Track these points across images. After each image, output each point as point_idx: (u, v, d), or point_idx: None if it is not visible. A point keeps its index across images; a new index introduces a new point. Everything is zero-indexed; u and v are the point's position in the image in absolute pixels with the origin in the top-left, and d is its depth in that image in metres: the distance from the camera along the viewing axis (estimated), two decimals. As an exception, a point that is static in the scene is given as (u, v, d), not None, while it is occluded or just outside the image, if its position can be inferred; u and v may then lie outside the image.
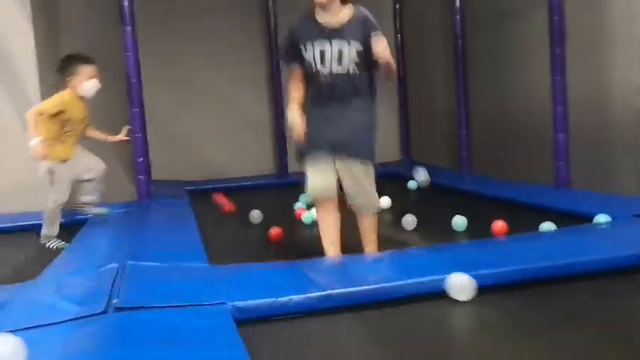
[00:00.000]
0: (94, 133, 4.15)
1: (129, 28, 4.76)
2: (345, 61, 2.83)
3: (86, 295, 2.24)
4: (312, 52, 2.85)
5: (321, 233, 3.01)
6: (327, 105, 2.89)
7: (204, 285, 2.38)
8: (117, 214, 4.26)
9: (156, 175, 5.86)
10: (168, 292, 2.28)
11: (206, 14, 6.62)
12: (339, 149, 2.87)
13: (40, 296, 2.30)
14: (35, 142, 3.56)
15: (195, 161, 6.66)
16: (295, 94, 2.96)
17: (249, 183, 6.31)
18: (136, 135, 4.80)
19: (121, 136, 4.26)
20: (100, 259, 2.86)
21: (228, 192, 5.45)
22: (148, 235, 3.62)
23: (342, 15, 2.85)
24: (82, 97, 3.91)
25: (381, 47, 2.68)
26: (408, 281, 2.32)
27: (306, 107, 2.94)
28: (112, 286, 2.31)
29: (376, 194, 3.00)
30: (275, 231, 3.74)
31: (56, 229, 3.86)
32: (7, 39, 4.91)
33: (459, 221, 3.74)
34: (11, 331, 1.99)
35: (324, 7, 2.81)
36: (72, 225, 4.11)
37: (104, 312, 2.06)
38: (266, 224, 4.02)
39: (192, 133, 6.67)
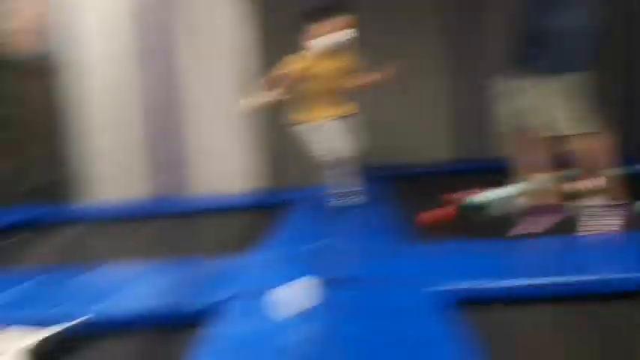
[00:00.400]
0: (351, 84, 3.70)
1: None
2: None
3: (305, 268, 2.37)
4: None
5: None
6: None
7: (415, 263, 2.39)
8: (318, 197, 4.47)
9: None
10: (381, 268, 2.34)
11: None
12: None
13: (269, 263, 2.50)
14: (252, 99, 3.43)
15: (377, 144, 6.55)
16: None
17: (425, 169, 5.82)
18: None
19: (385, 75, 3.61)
20: (310, 236, 3.02)
21: (410, 176, 5.40)
22: (349, 213, 3.71)
23: None
24: (325, 54, 3.58)
25: None
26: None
27: None
28: (329, 260, 2.43)
29: None
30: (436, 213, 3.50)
31: (347, 189, 3.60)
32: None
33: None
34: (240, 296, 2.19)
35: None
36: (276, 206, 4.41)
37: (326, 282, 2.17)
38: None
39: (374, 114, 6.58)
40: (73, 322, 1.90)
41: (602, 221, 2.80)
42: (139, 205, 4.97)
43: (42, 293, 2.31)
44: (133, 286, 2.31)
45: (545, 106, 2.96)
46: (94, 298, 2.21)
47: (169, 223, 4.34)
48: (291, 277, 2.17)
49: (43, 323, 1.95)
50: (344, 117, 3.52)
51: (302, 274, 2.26)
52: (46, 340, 1.78)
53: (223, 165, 5.31)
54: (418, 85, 6.38)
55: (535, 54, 2.95)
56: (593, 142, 2.93)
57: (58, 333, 1.82)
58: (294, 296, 1.98)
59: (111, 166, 5.45)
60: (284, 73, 3.54)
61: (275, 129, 5.64)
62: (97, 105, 5.48)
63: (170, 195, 5.21)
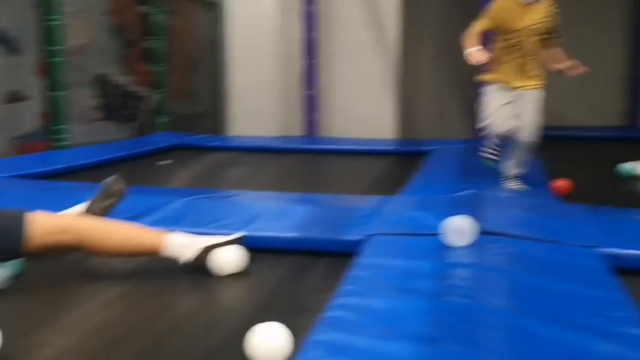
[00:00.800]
0: (550, 57, 3.17)
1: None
2: None
3: (450, 215, 2.36)
4: None
5: None
6: None
7: (568, 224, 2.29)
8: (457, 149, 4.40)
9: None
10: (531, 224, 2.26)
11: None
12: None
13: (404, 210, 2.51)
14: (470, 50, 3.01)
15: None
16: None
17: (593, 134, 5.67)
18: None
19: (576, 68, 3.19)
20: (453, 187, 2.99)
21: (568, 141, 5.15)
22: (493, 170, 3.63)
23: None
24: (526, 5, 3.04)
25: None
26: None
27: None
28: (474, 210, 2.39)
29: None
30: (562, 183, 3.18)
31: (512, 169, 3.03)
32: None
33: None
34: (382, 234, 2.23)
35: None
36: (417, 154, 4.41)
37: (468, 232, 2.15)
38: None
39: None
40: (233, 236, 2.05)
41: None
42: (288, 140, 5.15)
43: (195, 211, 2.48)
44: (285, 212, 2.41)
45: None
46: (245, 218, 2.34)
47: (317, 159, 4.49)
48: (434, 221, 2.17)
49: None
50: (532, 88, 3.07)
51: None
52: (220, 243, 1.98)
53: (364, 111, 5.37)
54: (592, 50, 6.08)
55: None
56: None
57: (228, 240, 2.01)
58: (460, 229, 2.00)
59: (255, 102, 5.67)
60: (485, 24, 3.18)
61: (412, 84, 5.60)
62: (246, 44, 5.68)
63: (313, 135, 5.37)
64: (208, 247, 1.95)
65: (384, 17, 5.27)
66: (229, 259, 1.97)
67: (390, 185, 3.34)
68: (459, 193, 2.74)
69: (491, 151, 3.24)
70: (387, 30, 5.29)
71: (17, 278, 1.88)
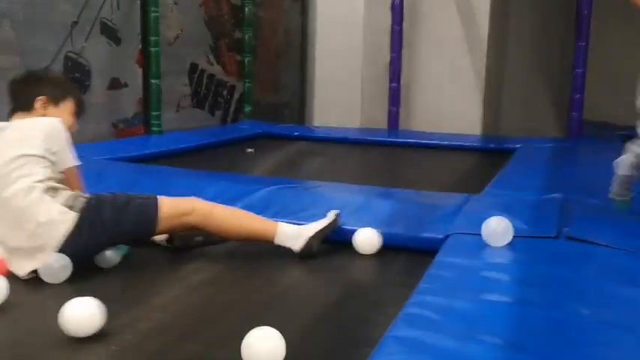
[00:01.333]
0: None
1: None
2: None
3: (535, 217, 2.31)
4: None
5: None
6: None
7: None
8: (546, 148, 4.28)
9: (586, 114, 5.62)
10: (618, 233, 2.20)
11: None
12: None
13: (489, 209, 2.48)
14: None
15: (630, 104, 6.11)
16: None
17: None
18: (577, 70, 4.65)
19: None
20: (539, 188, 2.92)
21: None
22: (581, 172, 3.52)
23: None
24: None
25: None
26: None
27: None
28: (560, 214, 2.35)
29: None
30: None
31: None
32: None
33: None
34: (464, 234, 2.23)
35: None
36: (503, 151, 4.33)
37: (555, 237, 2.12)
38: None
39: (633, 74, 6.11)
40: (331, 217, 2.20)
41: None
42: (371, 133, 5.19)
43: (279, 200, 2.56)
44: (367, 206, 2.45)
45: None
46: (327, 210, 2.40)
47: (400, 152, 4.49)
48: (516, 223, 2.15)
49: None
50: None
51: (530, 221, 2.23)
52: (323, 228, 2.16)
53: (449, 106, 5.31)
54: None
55: None
56: None
57: (329, 224, 2.18)
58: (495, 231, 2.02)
59: (339, 93, 5.72)
60: None
61: (500, 79, 5.48)
62: (332, 35, 5.73)
63: (396, 128, 5.37)
64: (313, 235, 2.11)
65: (475, 12, 5.18)
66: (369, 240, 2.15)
67: (473, 183, 3.31)
68: (545, 196, 2.68)
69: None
70: (478, 25, 5.19)
71: (125, 259, 2.04)
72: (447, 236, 2.15)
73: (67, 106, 2.23)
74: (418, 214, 2.41)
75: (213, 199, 2.34)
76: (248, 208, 2.45)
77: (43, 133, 2.05)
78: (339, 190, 2.82)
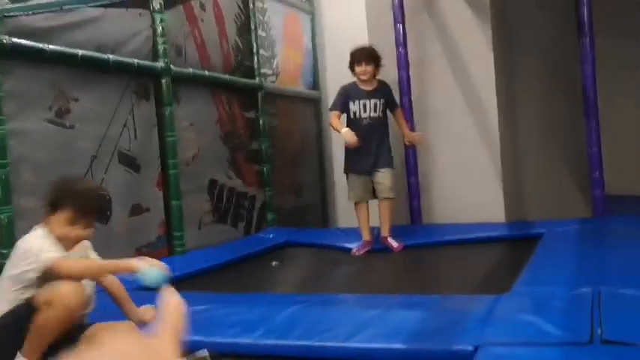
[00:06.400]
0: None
1: (587, 39, 4.62)
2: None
3: (566, 319, 2.21)
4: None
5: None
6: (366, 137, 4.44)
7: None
8: (572, 231, 4.18)
9: (609, 188, 5.54)
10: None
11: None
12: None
13: (518, 313, 2.40)
14: None
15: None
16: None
17: None
18: (592, 149, 4.64)
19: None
20: (569, 280, 2.82)
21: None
22: (613, 256, 3.42)
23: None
24: None
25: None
26: None
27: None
28: (592, 313, 2.25)
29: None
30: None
31: None
32: (469, 63, 5.37)
33: None
34: (494, 344, 2.14)
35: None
36: (527, 238, 4.24)
37: (589, 342, 2.01)
38: None
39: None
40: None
41: None
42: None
43: (303, 321, 2.51)
44: (391, 320, 2.39)
45: None
46: (350, 329, 2.35)
47: (423, 252, 4.40)
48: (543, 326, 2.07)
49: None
50: None
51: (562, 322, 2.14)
52: None
53: (469, 196, 5.28)
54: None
55: None
56: None
57: None
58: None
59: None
60: None
61: (518, 164, 5.50)
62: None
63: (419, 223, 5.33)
64: None
65: (483, 102, 5.27)
66: None
67: (502, 278, 3.22)
68: (575, 291, 2.58)
69: None
70: (487, 114, 5.26)
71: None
72: (477, 347, 2.07)
73: (63, 215, 2.24)
74: (444, 323, 2.34)
75: (233, 326, 2.30)
76: (270, 332, 2.41)
77: (16, 254, 2.16)
78: (362, 304, 2.77)
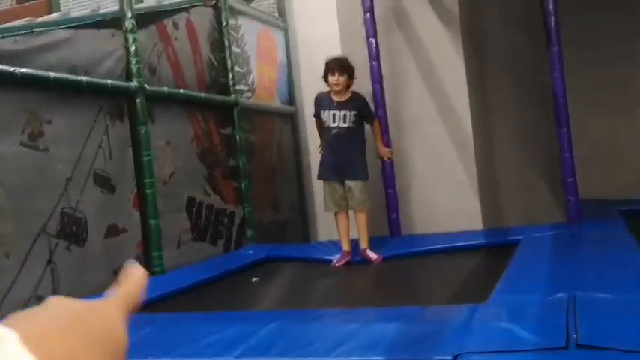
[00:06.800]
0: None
1: (555, 49, 4.72)
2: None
3: (542, 325, 2.25)
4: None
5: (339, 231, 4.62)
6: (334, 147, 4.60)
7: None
8: (548, 237, 4.24)
9: (582, 194, 5.63)
10: (630, 333, 2.13)
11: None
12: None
13: (496, 321, 2.43)
14: None
15: (627, 178, 6.18)
16: None
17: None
18: (565, 155, 4.72)
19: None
20: (545, 286, 2.86)
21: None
22: (586, 261, 3.48)
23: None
24: None
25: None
26: None
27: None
28: (567, 318, 2.29)
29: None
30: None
31: None
32: (442, 74, 5.44)
33: None
34: (473, 353, 2.16)
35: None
36: (505, 245, 4.28)
37: (565, 347, 2.04)
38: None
39: (624, 147, 6.24)
40: None
41: None
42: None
43: (284, 337, 2.51)
44: (370, 332, 2.40)
45: None
46: (331, 344, 2.35)
47: (403, 262, 4.43)
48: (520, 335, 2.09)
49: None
50: None
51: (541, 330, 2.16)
52: None
53: (446, 204, 5.33)
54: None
55: None
56: None
57: None
58: None
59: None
60: None
61: (494, 168, 5.57)
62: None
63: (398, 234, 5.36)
64: None
65: (457, 112, 5.33)
66: None
67: (479, 286, 3.25)
68: (551, 297, 2.62)
69: None
70: (462, 124, 5.32)
71: None
72: (456, 357, 2.09)
73: None
74: (423, 334, 2.35)
75: (211, 346, 2.29)
76: (249, 349, 2.40)
77: None
78: (341, 317, 2.78)
